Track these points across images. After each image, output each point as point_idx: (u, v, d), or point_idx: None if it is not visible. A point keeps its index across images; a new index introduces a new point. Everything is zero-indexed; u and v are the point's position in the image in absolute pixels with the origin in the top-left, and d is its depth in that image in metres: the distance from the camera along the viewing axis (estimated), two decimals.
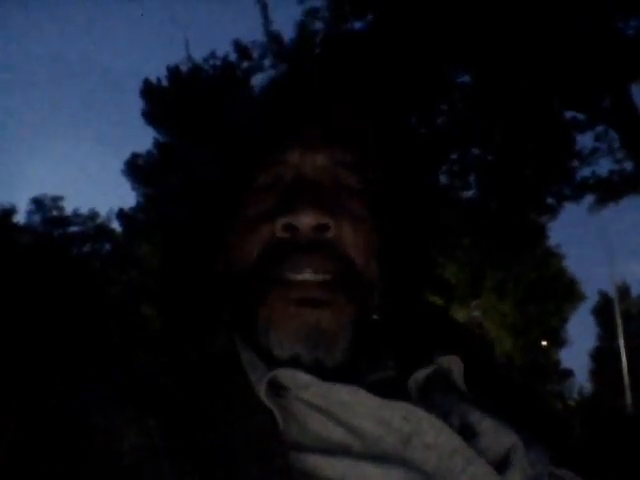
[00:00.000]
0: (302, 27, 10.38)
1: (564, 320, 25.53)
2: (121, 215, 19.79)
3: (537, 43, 8.40)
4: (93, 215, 19.81)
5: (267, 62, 11.17)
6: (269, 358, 0.63)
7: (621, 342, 23.16)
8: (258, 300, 0.65)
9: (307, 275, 0.63)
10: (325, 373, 0.60)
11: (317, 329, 0.63)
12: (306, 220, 0.64)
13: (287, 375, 0.60)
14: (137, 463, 0.52)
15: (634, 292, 34.44)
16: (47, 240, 17.82)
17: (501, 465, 0.59)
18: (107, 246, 19.13)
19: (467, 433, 0.61)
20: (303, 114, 0.71)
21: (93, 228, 19.45)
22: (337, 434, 0.58)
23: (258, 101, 0.79)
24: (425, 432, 0.58)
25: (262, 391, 0.58)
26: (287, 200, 0.65)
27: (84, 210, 19.95)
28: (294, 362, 0.62)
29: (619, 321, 23.54)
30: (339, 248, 0.66)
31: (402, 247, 0.76)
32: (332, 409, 0.59)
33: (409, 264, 0.78)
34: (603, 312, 33.17)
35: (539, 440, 0.65)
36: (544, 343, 25.13)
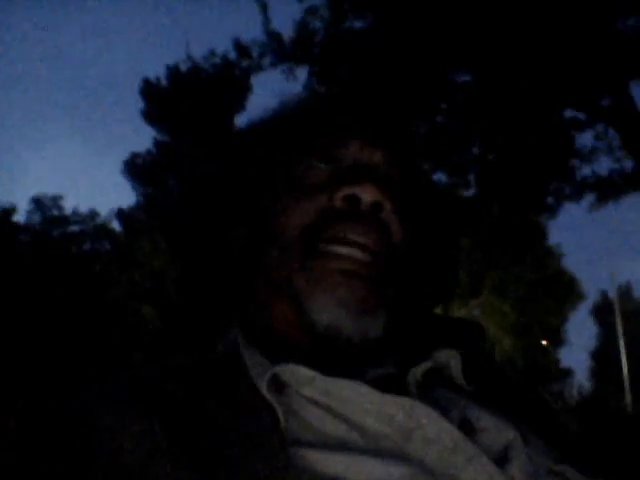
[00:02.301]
0: (302, 26, 10.38)
1: (564, 319, 25.57)
2: (121, 214, 19.82)
3: (537, 42, 8.40)
4: (93, 214, 19.82)
5: (267, 61, 11.16)
6: (306, 326, 0.64)
7: (621, 342, 23.16)
8: (300, 266, 0.65)
9: (358, 237, 0.65)
10: (327, 368, 0.60)
11: (361, 298, 0.64)
12: (368, 194, 0.66)
13: (289, 371, 0.60)
14: (139, 462, 0.52)
15: (636, 292, 34.57)
16: (47, 239, 17.83)
17: (501, 460, 0.59)
18: (107, 245, 19.13)
19: (466, 428, 0.61)
20: (366, 115, 0.76)
21: (93, 227, 19.45)
22: (338, 430, 0.58)
23: (318, 100, 0.83)
24: (426, 427, 0.58)
25: (264, 387, 0.58)
26: (350, 175, 0.68)
27: (84, 209, 19.98)
28: (335, 329, 0.63)
29: (619, 321, 23.55)
30: (389, 230, 0.68)
31: (417, 244, 0.76)
32: (333, 405, 0.59)
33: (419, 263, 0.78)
34: (603, 311, 33.22)
35: (538, 435, 0.65)
36: (544, 342, 25.16)
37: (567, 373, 29.12)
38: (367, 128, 0.73)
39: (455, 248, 0.87)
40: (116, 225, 19.88)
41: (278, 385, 0.60)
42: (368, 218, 0.66)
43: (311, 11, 10.25)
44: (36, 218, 19.19)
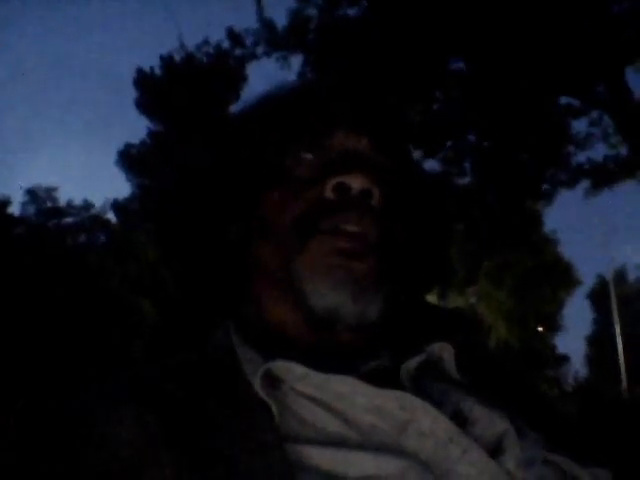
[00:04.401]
0: (295, 14, 10.34)
1: (560, 305, 25.70)
2: (116, 205, 19.81)
3: (531, 30, 8.38)
4: (87, 206, 19.82)
5: (260, 49, 11.13)
6: (305, 312, 0.64)
7: (617, 327, 23.28)
8: (297, 250, 0.65)
9: (350, 227, 0.64)
10: (320, 363, 0.60)
11: (358, 279, 0.63)
12: (357, 182, 0.65)
13: (282, 367, 0.59)
14: (138, 462, 0.52)
15: (630, 276, 34.73)
16: (42, 231, 17.82)
17: (495, 451, 0.59)
18: (102, 237, 19.14)
19: (460, 420, 0.61)
20: (351, 102, 0.75)
21: (87, 219, 19.45)
22: (333, 425, 0.58)
23: (303, 88, 0.81)
24: (420, 420, 0.58)
25: (257, 384, 0.58)
26: (338, 164, 0.67)
27: (78, 201, 19.97)
28: (335, 311, 0.62)
29: (615, 306, 23.65)
30: (380, 218, 0.67)
31: (411, 234, 0.75)
32: (327, 400, 0.59)
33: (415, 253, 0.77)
34: (599, 296, 33.38)
35: (532, 426, 0.65)
36: (540, 329, 25.30)
37: (563, 359, 29.29)
38: (352, 116, 0.72)
39: (447, 233, 0.86)
40: (111, 216, 19.91)
41: (273, 381, 0.60)
42: (359, 206, 0.65)
43: None
44: (31, 210, 19.20)
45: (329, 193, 0.66)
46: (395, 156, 0.74)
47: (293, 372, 0.59)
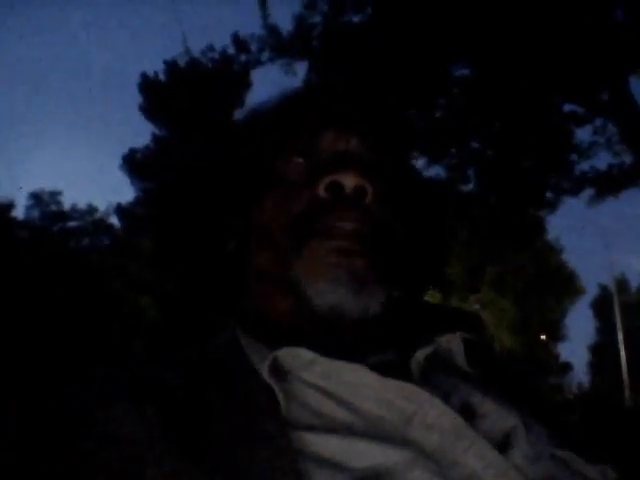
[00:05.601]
0: (300, 20, 10.35)
1: (563, 314, 25.61)
2: (119, 210, 19.82)
3: (535, 36, 8.39)
4: (91, 210, 19.83)
5: (265, 55, 11.14)
6: (307, 312, 0.64)
7: (620, 335, 23.18)
8: (295, 253, 0.66)
9: (347, 225, 0.65)
10: (326, 353, 0.60)
11: (357, 275, 0.64)
12: (350, 180, 0.66)
13: (289, 354, 0.60)
14: (140, 461, 0.52)
15: (633, 285, 34.59)
16: (46, 235, 17.83)
17: (502, 445, 0.59)
18: (105, 241, 19.14)
19: (468, 413, 0.61)
20: (338, 103, 0.76)
21: (91, 223, 19.47)
22: (339, 414, 0.58)
23: (292, 93, 0.82)
24: (427, 412, 0.58)
25: (265, 372, 0.58)
26: (330, 164, 0.68)
27: (82, 205, 19.98)
28: (337, 310, 0.63)
29: (618, 314, 23.55)
30: (375, 215, 0.68)
31: (411, 229, 0.76)
32: (334, 389, 0.59)
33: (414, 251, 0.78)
34: (602, 305, 33.24)
35: (539, 422, 0.65)
36: (543, 337, 25.20)
37: (567, 368, 29.17)
38: (339, 116, 0.73)
39: (443, 229, 0.86)
40: (114, 220, 19.91)
41: (279, 372, 0.60)
42: (353, 203, 0.66)
43: (310, 5, 10.23)
44: (35, 214, 19.21)
45: (322, 193, 0.67)
46: (387, 153, 0.75)
47: (301, 358, 0.60)
